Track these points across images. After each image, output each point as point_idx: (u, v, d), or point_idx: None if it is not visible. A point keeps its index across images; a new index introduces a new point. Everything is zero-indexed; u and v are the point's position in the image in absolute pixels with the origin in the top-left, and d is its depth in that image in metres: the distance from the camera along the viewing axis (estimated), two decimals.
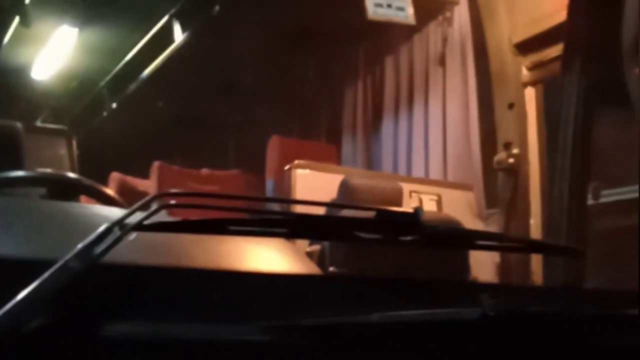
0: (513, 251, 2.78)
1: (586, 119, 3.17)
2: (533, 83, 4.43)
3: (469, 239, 1.45)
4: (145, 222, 1.00)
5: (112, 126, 7.34)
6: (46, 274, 0.90)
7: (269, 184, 5.58)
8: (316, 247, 3.56)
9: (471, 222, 4.47)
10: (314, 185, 4.39)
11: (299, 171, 4.47)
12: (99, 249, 0.95)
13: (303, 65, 6.48)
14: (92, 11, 5.78)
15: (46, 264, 0.92)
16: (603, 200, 3.64)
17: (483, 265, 4.12)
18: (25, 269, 0.91)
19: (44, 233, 1.38)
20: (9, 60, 6.33)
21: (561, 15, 3.50)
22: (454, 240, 1.41)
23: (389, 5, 4.65)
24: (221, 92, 6.78)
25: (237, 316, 0.98)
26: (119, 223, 0.98)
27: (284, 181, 4.57)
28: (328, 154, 6.06)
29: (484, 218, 4.78)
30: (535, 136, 4.39)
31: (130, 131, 7.33)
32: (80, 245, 0.94)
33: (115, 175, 6.00)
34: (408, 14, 4.72)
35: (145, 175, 6.03)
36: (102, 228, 0.97)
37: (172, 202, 1.09)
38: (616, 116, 3.39)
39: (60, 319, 0.92)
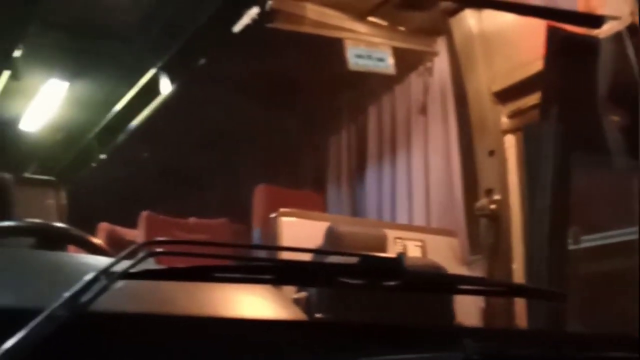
0: (494, 295, 2.79)
1: (564, 165, 3.21)
2: (513, 130, 4.48)
3: (452, 284, 1.47)
4: (132, 271, 1.01)
5: (100, 177, 7.35)
6: (33, 323, 0.91)
7: (256, 232, 5.59)
8: (303, 294, 3.56)
9: (455, 268, 4.48)
10: (299, 233, 4.40)
11: (285, 219, 4.49)
12: (86, 297, 0.96)
13: (288, 115, 6.54)
14: (81, 65, 5.84)
15: (33, 313, 0.92)
16: (583, 245, 3.66)
17: (468, 311, 4.12)
18: (12, 318, 0.92)
19: (32, 282, 1.39)
20: None
21: (538, 64, 3.55)
22: (436, 284, 1.43)
23: (370, 56, 4.73)
24: (208, 142, 6.82)
25: None
26: (106, 272, 0.99)
27: (270, 229, 4.58)
28: (313, 202, 6.08)
29: (467, 263, 4.80)
30: (516, 182, 4.42)
31: (119, 182, 7.34)
32: (66, 294, 0.95)
33: (103, 226, 5.99)
34: (388, 65, 4.80)
35: (133, 225, 6.03)
36: (88, 277, 0.98)
37: (159, 250, 1.11)
38: (595, 163, 3.43)
39: None
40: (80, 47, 5.55)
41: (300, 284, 2.91)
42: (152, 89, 5.93)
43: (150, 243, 1.12)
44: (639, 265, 2.69)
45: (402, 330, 1.21)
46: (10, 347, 0.88)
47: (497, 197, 4.38)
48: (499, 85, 4.46)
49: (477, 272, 4.47)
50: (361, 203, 6.02)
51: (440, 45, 5.21)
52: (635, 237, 2.83)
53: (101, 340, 1.00)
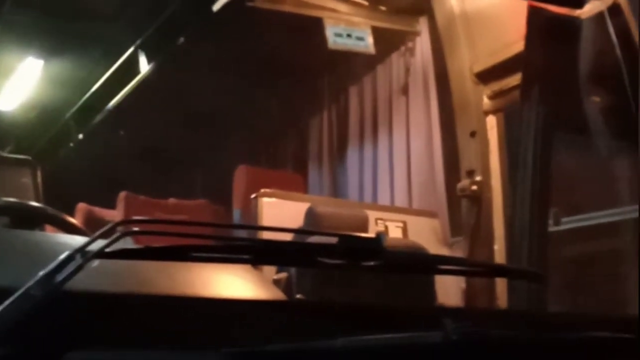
0: (474, 275, 2.80)
1: (545, 147, 3.22)
2: (494, 111, 4.49)
3: (431, 264, 1.47)
4: (107, 250, 1.00)
5: (78, 157, 7.29)
6: (7, 302, 0.90)
7: (236, 213, 5.57)
8: (283, 275, 3.56)
9: (436, 249, 4.50)
10: (280, 213, 4.39)
11: (265, 200, 4.47)
12: (61, 276, 0.95)
13: (269, 96, 6.51)
14: (58, 43, 5.77)
15: (8, 292, 0.91)
16: (563, 227, 3.68)
17: (449, 292, 4.14)
18: None
19: (7, 261, 1.38)
20: None
21: (520, 45, 3.55)
22: (416, 265, 1.43)
23: (349, 35, 4.72)
24: (187, 123, 6.78)
25: (200, 343, 0.98)
26: (81, 250, 0.98)
27: (250, 210, 4.57)
28: (294, 182, 6.07)
29: (449, 245, 4.82)
30: (497, 163, 4.44)
31: (97, 162, 7.28)
32: (41, 273, 0.94)
33: (82, 206, 5.94)
34: (368, 44, 4.79)
35: (112, 206, 5.99)
36: (63, 256, 0.97)
37: (135, 229, 1.09)
38: (575, 144, 3.44)
39: (22, 346, 0.92)
40: (57, 25, 5.48)
41: (279, 264, 2.92)
42: (130, 68, 5.88)
43: (126, 222, 1.11)
44: (638, 246, 2.70)
45: (382, 311, 1.21)
46: None
47: (478, 178, 4.39)
48: (480, 66, 4.46)
49: (458, 253, 4.49)
50: (342, 184, 6.02)
51: (422, 25, 5.20)
52: (616, 218, 2.84)
53: (76, 319, 0.98)
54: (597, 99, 3.08)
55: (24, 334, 0.92)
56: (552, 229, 3.51)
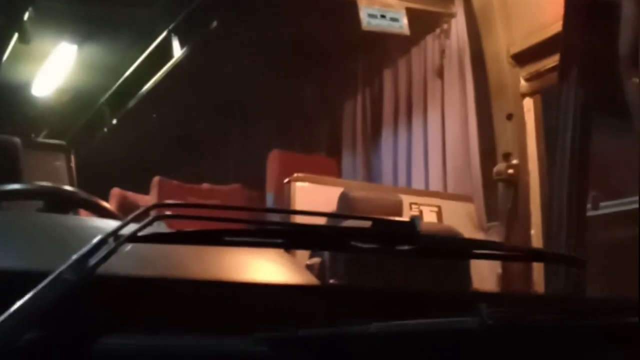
0: (511, 260, 2.77)
1: (584, 129, 3.17)
2: (531, 94, 4.43)
3: (467, 248, 1.44)
4: (140, 233, 1.00)
5: (112, 142, 7.36)
6: (41, 286, 0.90)
7: (269, 197, 5.58)
8: (316, 260, 3.55)
9: (472, 234, 4.46)
10: (313, 198, 4.39)
11: (299, 184, 4.47)
12: (94, 260, 0.94)
13: (302, 79, 6.49)
14: (91, 28, 5.81)
15: (41, 276, 0.91)
16: (602, 211, 3.63)
17: (485, 277, 4.11)
18: (21, 281, 0.91)
19: (41, 245, 1.38)
20: (8, 77, 6.35)
21: (558, 26, 3.50)
22: (451, 249, 1.40)
23: (383, 16, 4.67)
24: (221, 107, 6.80)
25: (234, 327, 0.98)
26: (114, 234, 0.97)
27: (284, 194, 4.57)
28: (328, 167, 6.06)
29: (484, 229, 4.77)
30: (535, 146, 4.39)
31: (131, 147, 7.34)
32: (74, 257, 0.94)
33: (116, 191, 6.00)
34: (402, 25, 4.74)
35: (146, 191, 6.04)
36: (96, 239, 0.96)
37: (168, 213, 1.08)
38: (614, 126, 3.38)
39: (55, 329, 0.92)
40: (90, 10, 5.51)
41: (313, 248, 2.91)
42: (163, 52, 5.90)
43: (159, 206, 1.10)
44: (639, 235, 2.67)
45: (417, 296, 1.19)
46: (18, 309, 0.88)
47: (515, 161, 4.35)
48: (517, 48, 4.40)
49: (494, 238, 4.45)
50: (376, 168, 5.99)
51: (458, 6, 5.14)
52: None
53: (109, 303, 0.99)
54: (636, 80, 3.02)
55: (57, 317, 0.92)
56: (590, 213, 3.46)
